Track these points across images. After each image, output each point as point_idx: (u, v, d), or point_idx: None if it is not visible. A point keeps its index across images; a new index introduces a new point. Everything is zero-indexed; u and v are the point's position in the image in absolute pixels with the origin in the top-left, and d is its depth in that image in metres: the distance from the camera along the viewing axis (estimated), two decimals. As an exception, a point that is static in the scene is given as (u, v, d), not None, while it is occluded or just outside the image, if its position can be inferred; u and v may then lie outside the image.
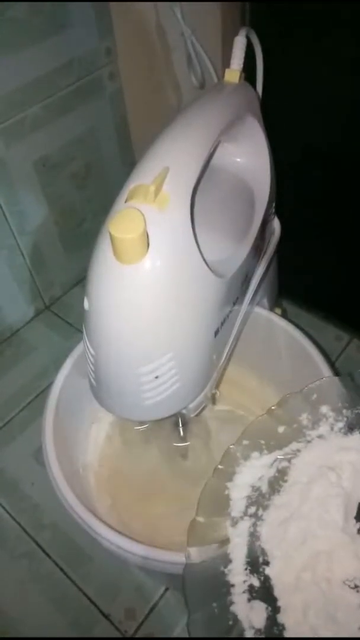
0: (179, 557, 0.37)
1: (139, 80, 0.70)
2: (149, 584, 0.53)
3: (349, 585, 0.29)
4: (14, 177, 0.64)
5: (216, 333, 0.36)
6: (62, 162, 0.69)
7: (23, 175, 0.65)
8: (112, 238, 0.28)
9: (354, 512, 0.31)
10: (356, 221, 0.59)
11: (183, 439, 0.46)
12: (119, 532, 0.39)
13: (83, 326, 0.34)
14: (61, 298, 0.82)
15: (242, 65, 0.40)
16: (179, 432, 0.45)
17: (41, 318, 0.79)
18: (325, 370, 0.44)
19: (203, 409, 0.40)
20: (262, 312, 0.51)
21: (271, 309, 0.54)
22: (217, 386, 0.43)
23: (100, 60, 0.67)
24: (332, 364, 0.47)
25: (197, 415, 0.41)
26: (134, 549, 0.38)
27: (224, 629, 0.28)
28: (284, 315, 0.52)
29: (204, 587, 0.30)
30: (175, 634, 0.51)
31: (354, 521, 0.31)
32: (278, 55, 0.48)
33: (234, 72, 0.39)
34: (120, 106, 0.73)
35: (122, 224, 0.28)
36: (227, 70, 0.39)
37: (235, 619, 0.29)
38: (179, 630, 0.51)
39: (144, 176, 0.31)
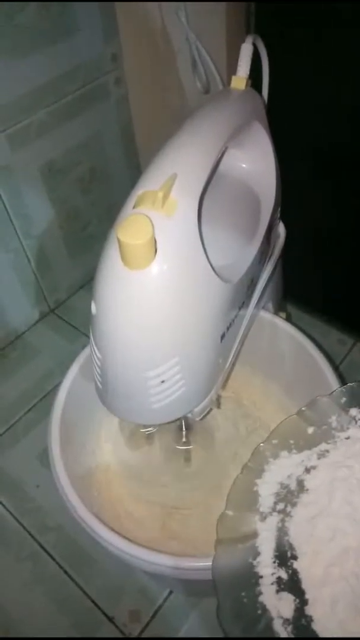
0: (183, 562, 0.37)
1: (144, 86, 0.70)
2: (153, 586, 0.54)
3: None
4: (20, 181, 0.65)
5: (222, 337, 0.36)
6: (67, 166, 0.70)
7: (29, 179, 0.66)
8: (120, 244, 0.28)
9: None
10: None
11: (186, 443, 0.46)
12: (123, 536, 0.39)
13: (90, 330, 0.34)
14: (66, 301, 0.82)
15: (248, 73, 0.40)
16: (182, 436, 0.46)
17: (46, 321, 0.80)
18: (329, 374, 0.44)
19: (208, 412, 0.41)
20: (267, 316, 0.51)
21: (276, 312, 0.54)
22: (222, 390, 0.43)
23: (106, 65, 0.67)
24: (336, 368, 0.47)
25: (201, 419, 0.41)
26: (138, 554, 0.38)
27: (252, 618, 0.29)
28: (289, 319, 0.52)
29: (233, 577, 0.31)
30: (180, 637, 0.51)
31: None
32: (283, 60, 0.48)
33: (240, 79, 0.40)
34: (126, 111, 0.74)
35: (131, 229, 0.28)
36: (233, 78, 0.40)
37: (264, 609, 0.29)
38: (183, 633, 0.51)
39: (152, 183, 0.31)
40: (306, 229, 0.59)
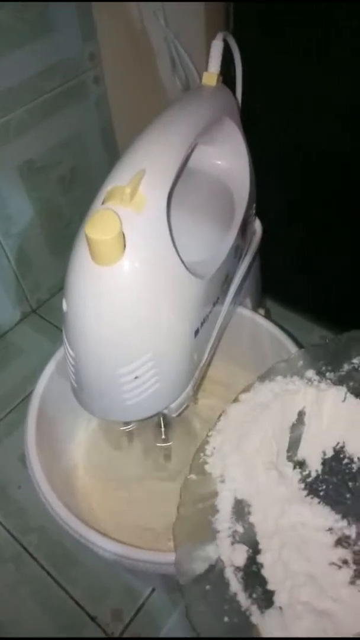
0: (165, 557, 0.37)
1: (123, 85, 0.70)
2: (136, 585, 0.54)
3: (323, 529, 0.34)
4: (-1, 180, 0.64)
5: (196, 333, 0.36)
6: (47, 165, 0.69)
7: (8, 178, 0.65)
8: (88, 239, 0.28)
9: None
10: (339, 220, 0.60)
11: (166, 440, 0.46)
12: (103, 535, 0.39)
13: (62, 328, 0.34)
14: (48, 301, 0.82)
15: (219, 68, 0.40)
16: (161, 433, 0.46)
17: (28, 321, 0.79)
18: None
19: (185, 408, 0.41)
20: (246, 313, 0.51)
21: (254, 309, 0.54)
22: (199, 386, 0.43)
23: (84, 64, 0.67)
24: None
25: (179, 416, 0.41)
26: (118, 551, 0.38)
27: (206, 564, 0.33)
28: (267, 315, 0.52)
29: (191, 532, 0.34)
30: (162, 634, 0.51)
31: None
32: (261, 58, 0.48)
33: (211, 75, 0.40)
34: (105, 110, 0.74)
35: (98, 225, 0.28)
36: (204, 74, 0.40)
37: (218, 559, 0.33)
38: (166, 631, 0.51)
39: (120, 178, 0.31)
40: (284, 225, 0.60)
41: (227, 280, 0.42)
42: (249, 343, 0.53)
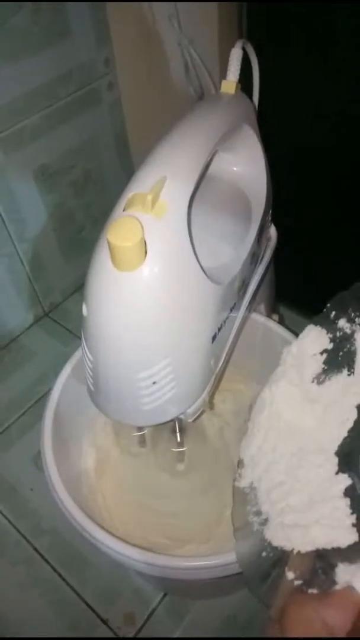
0: (178, 562, 0.38)
1: (137, 90, 0.71)
2: (148, 589, 0.54)
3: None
4: (14, 185, 0.65)
5: (213, 338, 0.37)
6: (61, 170, 0.70)
7: (23, 183, 0.66)
8: (110, 245, 0.29)
9: None
10: (352, 228, 0.60)
11: (180, 444, 0.47)
12: (118, 538, 0.39)
13: (81, 332, 0.34)
14: (60, 305, 0.82)
15: (238, 77, 0.41)
16: (176, 438, 0.46)
17: (40, 324, 0.80)
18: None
19: (201, 414, 0.41)
20: (260, 319, 0.51)
21: (268, 315, 0.54)
22: (214, 391, 0.43)
23: (99, 70, 0.68)
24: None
25: (194, 421, 0.41)
26: (133, 555, 0.38)
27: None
28: (281, 321, 0.52)
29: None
30: (173, 640, 0.51)
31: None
32: (274, 65, 0.49)
33: (230, 83, 0.40)
34: (119, 115, 0.74)
35: (120, 231, 0.28)
36: (223, 82, 0.40)
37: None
38: (178, 636, 0.51)
39: (141, 185, 0.31)
40: (299, 232, 0.60)
41: (244, 286, 0.42)
42: (262, 349, 0.53)
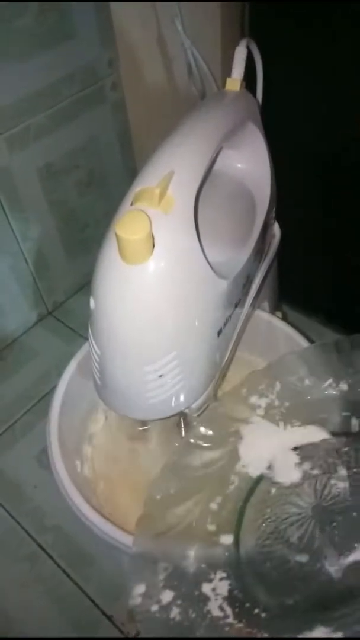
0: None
1: (140, 90, 0.71)
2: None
3: None
4: (18, 184, 0.65)
5: (219, 333, 0.37)
6: (65, 169, 0.70)
7: (27, 182, 0.66)
8: (118, 239, 0.29)
9: None
10: (355, 226, 0.60)
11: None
12: (128, 532, 0.39)
13: (89, 325, 0.35)
14: (64, 304, 0.83)
15: (242, 75, 0.41)
16: (181, 432, 0.46)
17: (44, 323, 0.80)
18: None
19: (206, 408, 0.41)
20: (264, 315, 0.52)
21: (272, 312, 0.55)
22: (219, 386, 0.44)
23: (103, 70, 0.68)
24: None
25: (199, 415, 0.41)
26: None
27: None
28: (284, 318, 0.53)
29: None
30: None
31: None
32: (277, 63, 0.49)
33: (234, 81, 0.40)
34: (123, 115, 0.75)
35: (129, 225, 0.29)
36: (228, 79, 0.41)
37: None
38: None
39: (149, 179, 0.32)
40: (302, 230, 0.60)
41: (248, 281, 0.43)
42: (265, 346, 0.53)
